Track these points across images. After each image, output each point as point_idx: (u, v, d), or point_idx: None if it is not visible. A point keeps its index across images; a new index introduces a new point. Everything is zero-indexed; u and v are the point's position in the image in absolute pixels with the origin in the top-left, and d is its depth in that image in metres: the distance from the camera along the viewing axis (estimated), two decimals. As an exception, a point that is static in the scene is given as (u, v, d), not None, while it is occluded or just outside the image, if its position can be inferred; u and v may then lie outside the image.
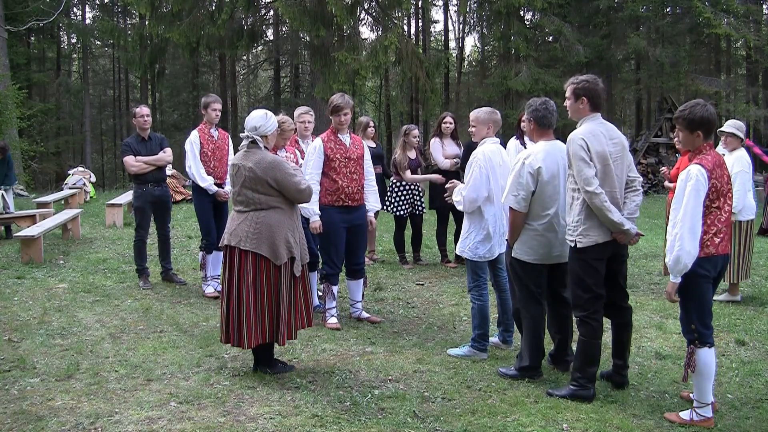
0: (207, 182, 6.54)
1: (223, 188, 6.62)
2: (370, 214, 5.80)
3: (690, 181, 3.60)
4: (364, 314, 5.86)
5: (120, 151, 8.84)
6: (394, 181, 8.07)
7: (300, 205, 5.41)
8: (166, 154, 6.98)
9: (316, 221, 5.47)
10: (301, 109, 6.61)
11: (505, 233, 4.61)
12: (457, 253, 5.03)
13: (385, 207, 8.10)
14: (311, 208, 5.44)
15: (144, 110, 7.03)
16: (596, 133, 3.98)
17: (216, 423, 3.69)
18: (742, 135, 6.38)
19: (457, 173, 7.90)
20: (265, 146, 4.43)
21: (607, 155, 3.96)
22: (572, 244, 4.05)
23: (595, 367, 4.09)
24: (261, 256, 4.27)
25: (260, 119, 4.39)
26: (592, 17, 22.70)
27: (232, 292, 4.34)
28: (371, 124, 8.21)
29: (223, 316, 4.40)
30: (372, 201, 5.79)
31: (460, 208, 4.86)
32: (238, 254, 4.30)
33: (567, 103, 4.15)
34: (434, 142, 8.09)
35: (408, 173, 7.88)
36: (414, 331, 5.58)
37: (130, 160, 6.85)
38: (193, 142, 6.57)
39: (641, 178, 4.23)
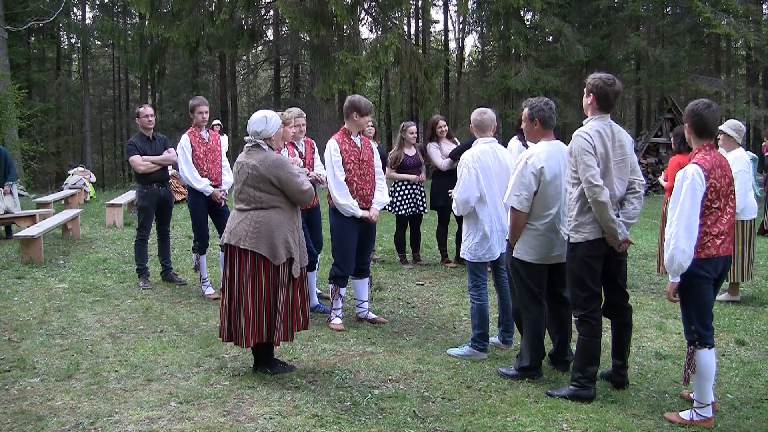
0: (202, 184, 6.53)
1: (218, 188, 6.62)
2: (375, 207, 5.65)
3: (686, 180, 3.61)
4: (371, 315, 5.84)
5: (121, 151, 8.84)
6: (397, 180, 8.07)
7: (340, 205, 5.41)
8: (171, 154, 6.98)
9: (366, 213, 5.49)
10: (295, 111, 6.53)
11: (505, 233, 4.61)
12: (461, 255, 5.04)
13: (388, 207, 8.10)
14: (349, 204, 5.41)
15: (149, 110, 7.05)
16: (600, 132, 3.98)
17: (216, 423, 3.69)
18: (735, 136, 6.30)
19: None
20: (269, 147, 4.42)
21: (609, 156, 3.96)
22: (566, 238, 4.07)
23: (595, 367, 4.08)
24: (259, 256, 4.26)
25: (260, 123, 4.36)
26: (592, 17, 22.74)
27: (232, 290, 4.34)
28: (370, 123, 8.18)
29: (224, 315, 4.41)
30: (377, 197, 5.70)
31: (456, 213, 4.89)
32: (238, 253, 4.31)
33: (584, 96, 4.18)
34: (431, 147, 8.10)
35: (391, 172, 7.92)
36: (414, 331, 5.58)
37: (137, 159, 6.84)
38: (183, 146, 6.56)
39: (644, 181, 4.21)
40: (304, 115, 6.45)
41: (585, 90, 4.13)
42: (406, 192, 8.03)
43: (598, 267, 4.03)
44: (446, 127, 8.15)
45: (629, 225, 4.01)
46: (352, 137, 5.60)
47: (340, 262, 5.59)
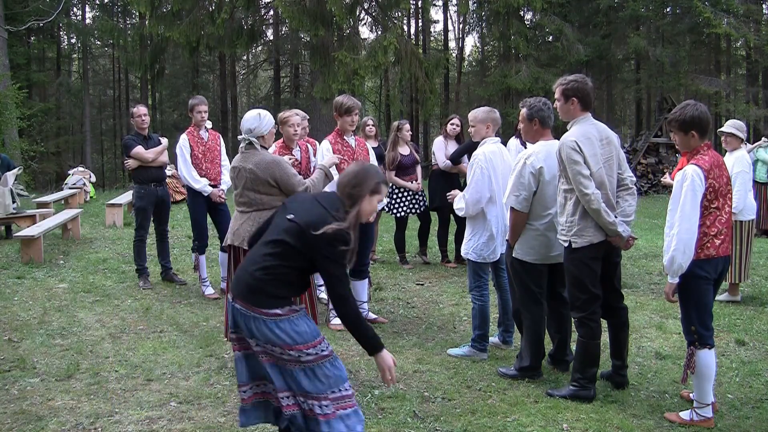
0: (200, 184, 6.52)
1: (217, 188, 6.62)
2: None
3: (686, 181, 3.60)
4: (371, 315, 5.85)
5: (122, 151, 8.85)
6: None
7: None
8: (164, 143, 7.09)
9: None
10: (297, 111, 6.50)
11: (506, 233, 4.61)
12: (462, 255, 5.03)
13: (385, 208, 8.09)
14: None
15: (141, 110, 7.07)
16: (588, 135, 3.97)
17: (216, 423, 3.69)
18: (741, 135, 6.35)
19: (456, 175, 7.92)
20: (262, 146, 4.43)
21: (599, 156, 3.96)
22: (566, 245, 4.04)
23: (595, 368, 4.08)
24: (261, 257, 4.26)
25: (254, 121, 4.38)
26: (592, 17, 22.74)
27: None
28: (369, 122, 8.16)
29: (227, 314, 4.40)
30: None
31: (461, 214, 4.86)
32: (242, 254, 4.31)
33: (557, 104, 4.13)
34: (438, 141, 8.10)
35: (390, 174, 7.88)
36: (414, 331, 5.58)
37: (141, 150, 6.87)
38: (182, 146, 6.57)
39: (634, 178, 4.20)
40: (296, 116, 6.38)
41: (561, 97, 4.06)
42: (401, 194, 8.02)
43: (598, 269, 4.03)
44: (458, 128, 8.07)
45: (628, 223, 4.01)
46: (345, 137, 5.59)
47: None
